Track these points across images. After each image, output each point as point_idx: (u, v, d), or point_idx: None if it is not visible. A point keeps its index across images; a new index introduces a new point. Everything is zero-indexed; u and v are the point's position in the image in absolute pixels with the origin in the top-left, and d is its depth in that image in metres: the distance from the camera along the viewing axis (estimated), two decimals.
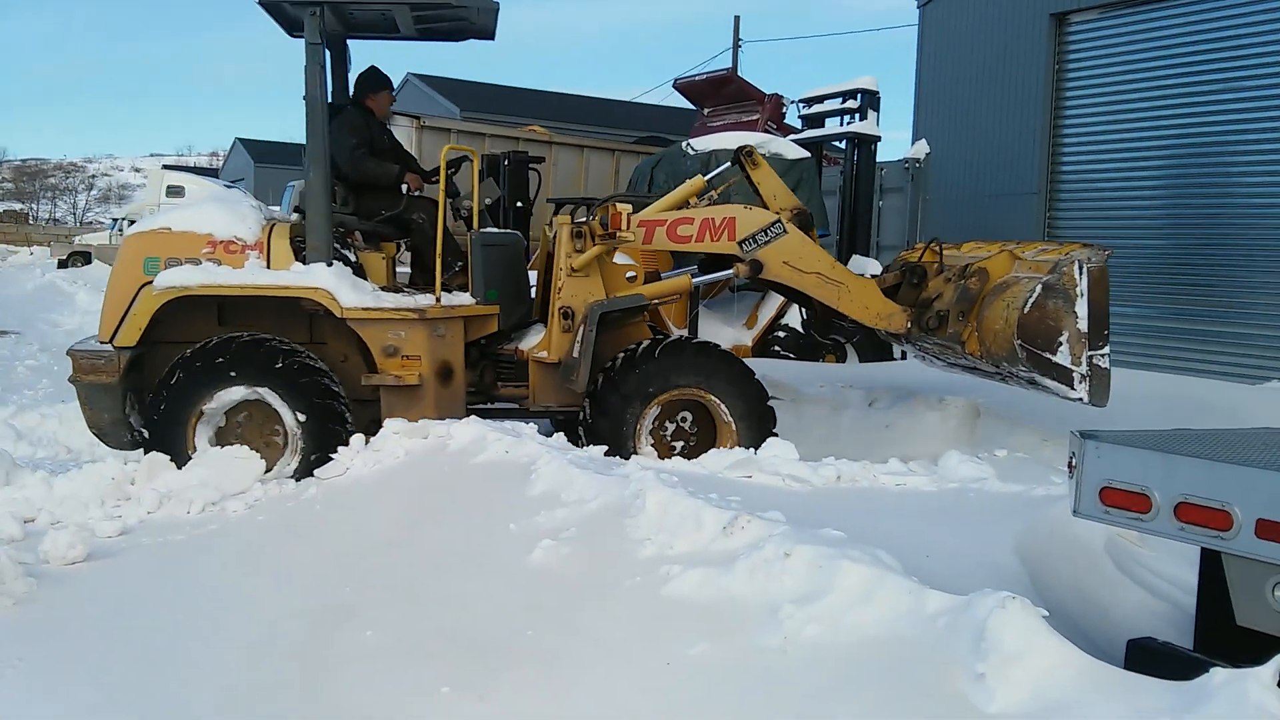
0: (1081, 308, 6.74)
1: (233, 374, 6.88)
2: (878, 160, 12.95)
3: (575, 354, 7.30)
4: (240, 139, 61.43)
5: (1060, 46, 15.41)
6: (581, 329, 7.34)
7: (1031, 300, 6.83)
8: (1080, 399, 6.63)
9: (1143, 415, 8.12)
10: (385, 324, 7.30)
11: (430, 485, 5.78)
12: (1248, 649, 3.09)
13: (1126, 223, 14.46)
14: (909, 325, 7.79)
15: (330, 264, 7.23)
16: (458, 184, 8.54)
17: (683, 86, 16.87)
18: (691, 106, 17.44)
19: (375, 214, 7.97)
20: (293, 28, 7.82)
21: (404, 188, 8.15)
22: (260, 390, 6.93)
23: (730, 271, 7.80)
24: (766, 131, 14.33)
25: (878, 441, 8.31)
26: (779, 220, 7.72)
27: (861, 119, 12.51)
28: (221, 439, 6.95)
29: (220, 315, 7.37)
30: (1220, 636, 3.39)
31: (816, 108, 13.21)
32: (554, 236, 7.93)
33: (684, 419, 7.57)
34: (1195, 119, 13.68)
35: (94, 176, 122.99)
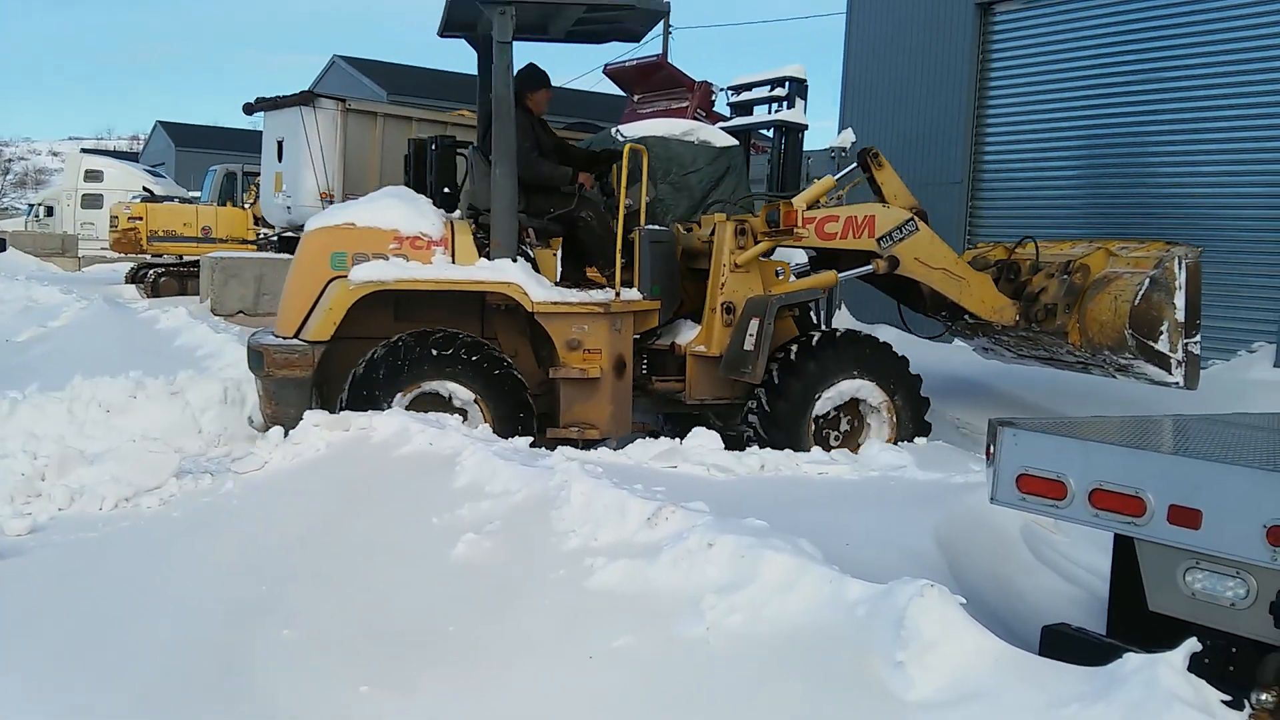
0: (1180, 300, 7.41)
1: (431, 368, 7.05)
2: (804, 148, 13.00)
3: (748, 346, 7.49)
4: (161, 122, 60.09)
5: (985, 37, 15.62)
6: (756, 322, 7.53)
7: (1140, 293, 7.49)
8: (1177, 383, 7.41)
9: (1064, 405, 8.36)
10: (571, 318, 7.53)
11: (352, 478, 5.69)
12: (1160, 634, 3.15)
13: (1046, 210, 14.72)
14: (1018, 318, 8.35)
15: (515, 260, 7.44)
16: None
17: (612, 72, 16.81)
18: (621, 93, 17.39)
19: (545, 212, 8.05)
20: (449, 27, 8.06)
21: (579, 187, 8.20)
22: (451, 385, 7.11)
23: (870, 267, 8.17)
24: (695, 119, 14.32)
25: None
26: (913, 218, 8.24)
27: (789, 107, 12.56)
28: None
29: (397, 310, 7.43)
30: (1133, 622, 3.45)
31: (745, 95, 13.23)
32: (710, 234, 8.13)
33: (838, 411, 7.90)
34: (1113, 108, 13.95)
35: (10, 160, 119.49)
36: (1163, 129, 13.40)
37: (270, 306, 15.60)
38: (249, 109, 19.34)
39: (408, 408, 6.92)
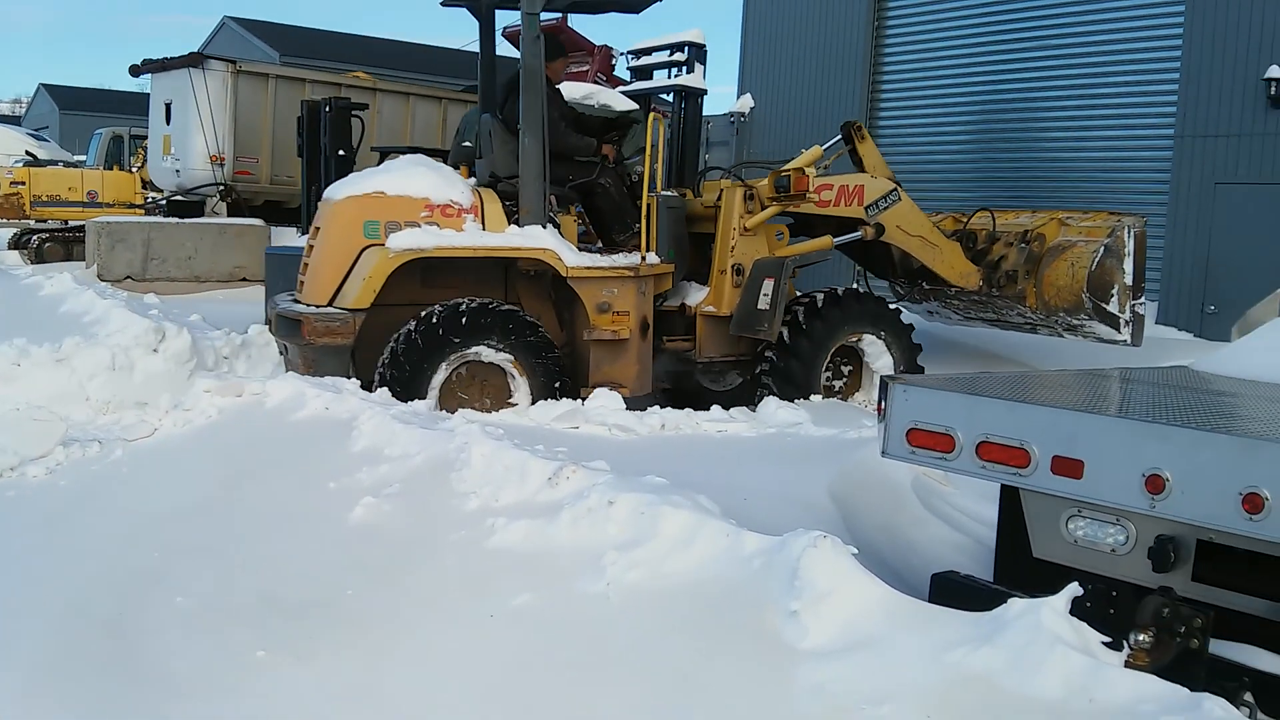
0: (1129, 265, 8.12)
1: (473, 336, 7.18)
2: (704, 113, 13.03)
3: (763, 306, 7.84)
4: (44, 85, 57.76)
5: (880, 4, 15.80)
6: (771, 283, 7.87)
7: (1096, 260, 8.21)
8: (1125, 340, 8.20)
9: (949, 363, 8.68)
10: (601, 282, 7.72)
11: (245, 444, 5.59)
12: (1043, 580, 3.24)
13: (940, 174, 14.99)
14: (980, 283, 9.04)
15: (545, 226, 7.60)
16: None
17: (512, 36, 16.57)
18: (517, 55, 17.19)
19: (565, 180, 8.13)
20: None
21: (601, 157, 8.38)
22: (492, 352, 7.26)
23: (858, 234, 8.68)
24: (595, 83, 14.27)
25: None
26: (896, 189, 8.81)
27: (689, 72, 12.51)
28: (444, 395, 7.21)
29: (423, 276, 7.46)
30: (1018, 569, 3.56)
31: (644, 60, 13.14)
32: (717, 199, 8.51)
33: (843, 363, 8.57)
34: (1005, 77, 14.25)
35: None
36: (1052, 98, 13.74)
37: (159, 271, 15.18)
38: (135, 71, 18.72)
39: (449, 376, 7.19)
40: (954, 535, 4.40)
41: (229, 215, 17.23)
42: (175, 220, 16.34)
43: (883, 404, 3.64)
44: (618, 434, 6.15)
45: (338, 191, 7.66)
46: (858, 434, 5.97)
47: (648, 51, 13.14)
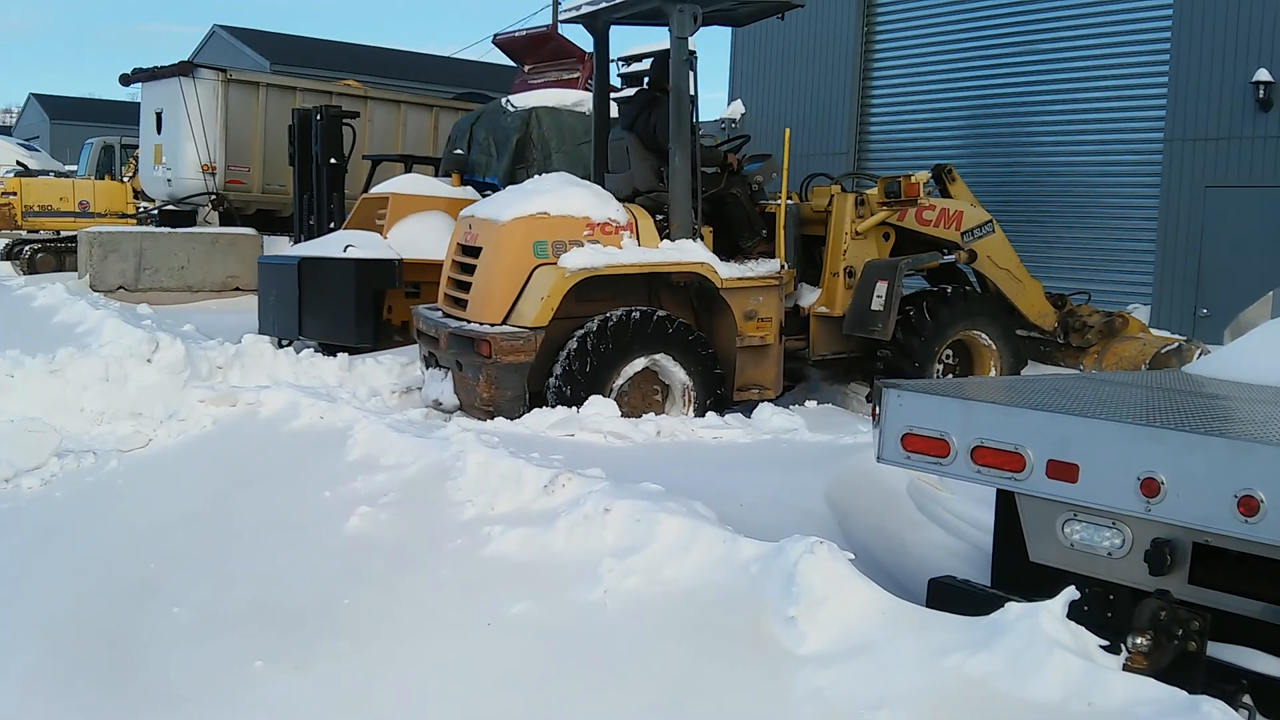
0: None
1: (643, 345, 7.50)
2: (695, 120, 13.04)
3: (877, 306, 8.14)
4: (35, 94, 57.63)
5: (870, 9, 15.84)
6: (885, 284, 8.16)
7: (1167, 350, 9.17)
8: None
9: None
10: (749, 291, 8.05)
11: (241, 454, 5.58)
12: (1040, 584, 3.24)
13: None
14: (1055, 326, 9.63)
15: (696, 240, 7.91)
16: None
17: (502, 43, 16.62)
18: (511, 63, 17.21)
19: (699, 193, 8.23)
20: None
21: (729, 168, 8.62)
22: (662, 359, 7.60)
23: (952, 256, 9.05)
24: (586, 90, 14.26)
25: None
26: (991, 221, 9.27)
27: None
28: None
29: (576, 291, 7.57)
30: (1015, 573, 3.56)
31: (635, 67, 13.16)
32: (828, 204, 8.79)
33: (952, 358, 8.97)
34: (996, 81, 14.29)
35: None
36: (1044, 103, 13.77)
37: (152, 281, 15.15)
38: (126, 80, 18.71)
39: (622, 385, 7.50)
40: (950, 540, 4.40)
41: (221, 224, 17.20)
42: (167, 230, 16.30)
43: (877, 409, 3.65)
44: (613, 441, 6.15)
45: (500, 212, 7.82)
46: (853, 439, 5.98)
47: (639, 58, 13.15)
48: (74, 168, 26.23)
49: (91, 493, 5.50)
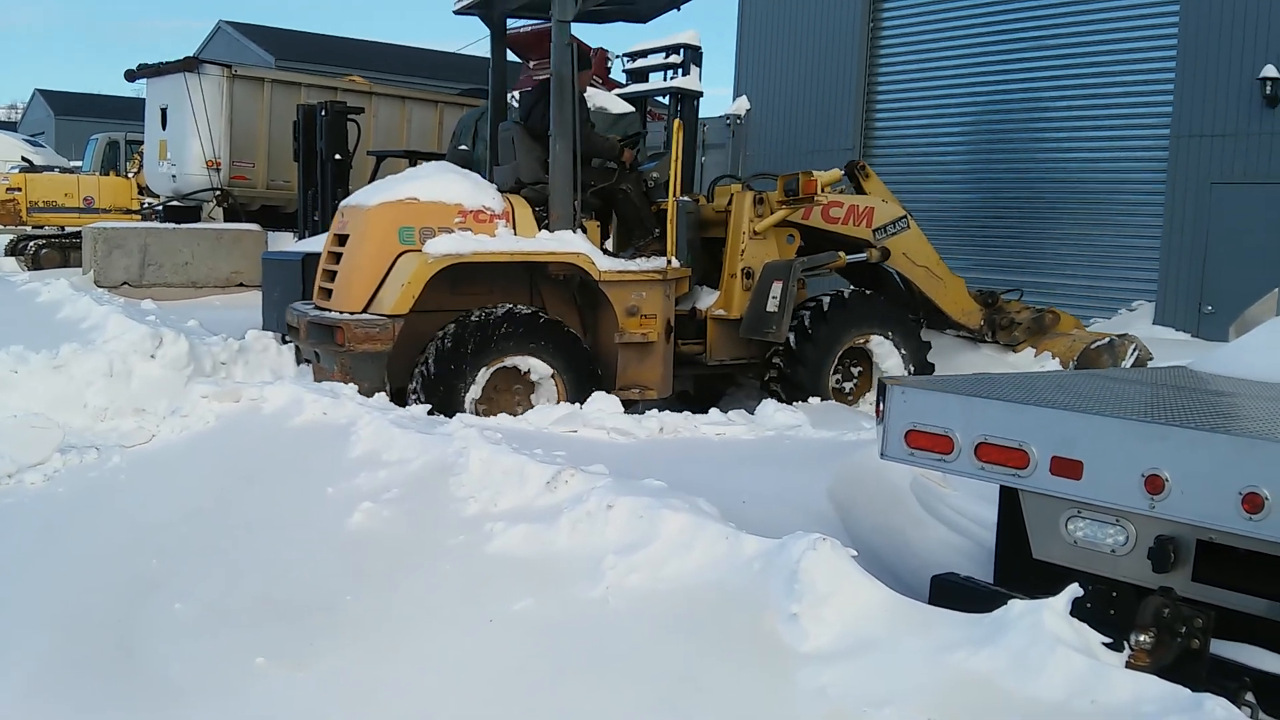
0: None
1: (507, 341, 7.25)
2: (700, 116, 13.04)
3: (771, 308, 7.94)
4: (40, 90, 57.68)
5: (875, 6, 15.81)
6: (779, 285, 7.99)
7: (1096, 345, 8.84)
8: None
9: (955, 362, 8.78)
10: (632, 286, 7.82)
11: (243, 450, 5.57)
12: (1044, 581, 3.24)
13: (935, 177, 15.00)
14: (981, 324, 9.44)
15: (575, 231, 7.70)
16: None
17: (508, 38, 16.60)
18: (517, 59, 17.20)
19: (589, 186, 8.15)
20: (469, 7, 8.54)
21: (622, 163, 8.46)
22: (528, 356, 7.34)
23: (864, 255, 8.81)
24: (591, 86, 14.25)
25: None
26: (905, 216, 9.02)
27: (684, 74, 12.53)
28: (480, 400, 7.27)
29: (451, 282, 7.43)
30: (1018, 570, 3.55)
31: (640, 62, 13.15)
32: (728, 204, 8.62)
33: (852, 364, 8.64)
34: (1000, 77, 14.25)
35: None
36: (1050, 98, 13.74)
37: (156, 277, 15.16)
38: (131, 76, 18.71)
39: (485, 381, 7.22)
40: (953, 537, 4.39)
41: (225, 220, 17.20)
42: (172, 226, 16.31)
43: (881, 406, 3.64)
44: (616, 438, 6.14)
45: (369, 198, 7.67)
46: (856, 436, 5.98)
47: (643, 54, 13.14)
48: (79, 163, 26.27)
49: (95, 488, 5.49)
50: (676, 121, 8.42)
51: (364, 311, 7.24)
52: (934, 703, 2.76)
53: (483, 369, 7.21)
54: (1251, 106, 11.84)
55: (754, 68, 17.38)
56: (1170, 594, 2.98)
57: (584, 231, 7.94)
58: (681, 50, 12.57)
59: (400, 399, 7.07)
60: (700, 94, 12.62)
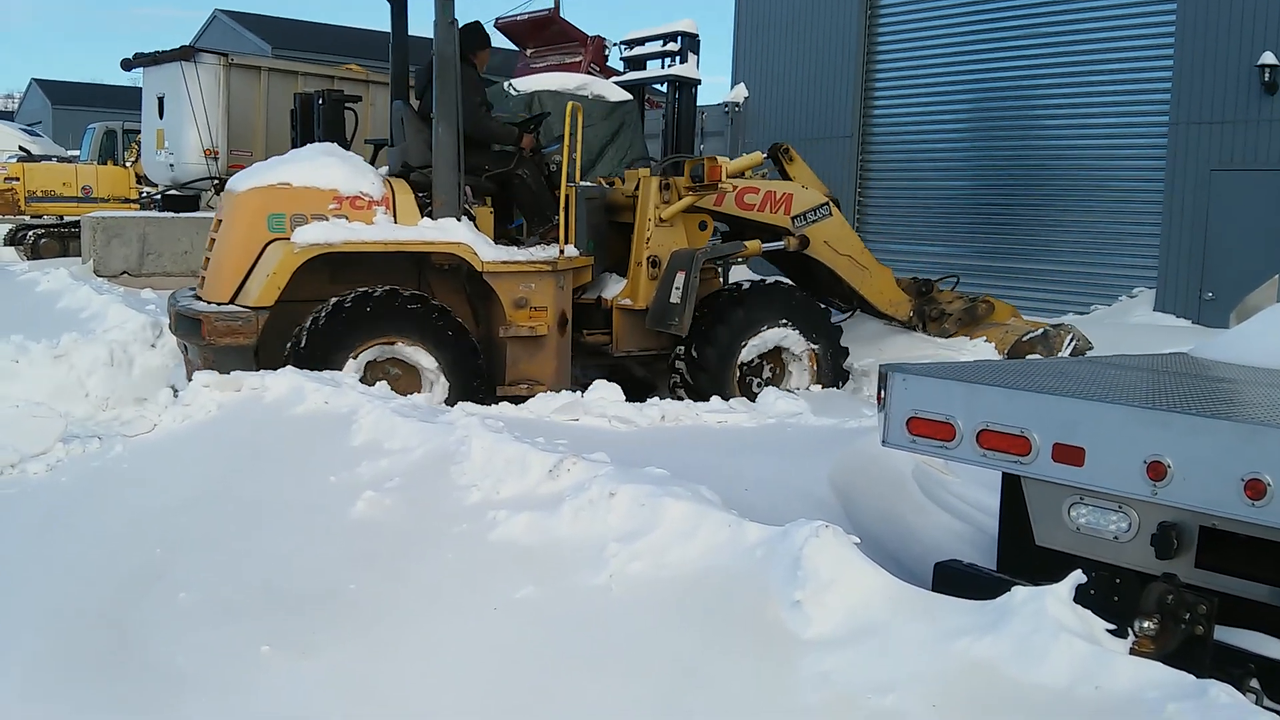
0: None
1: (380, 327, 6.91)
2: (698, 104, 13.02)
3: (674, 299, 7.59)
4: (37, 80, 57.55)
5: None
6: (683, 275, 7.63)
7: (1029, 337, 8.53)
8: None
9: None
10: (518, 277, 7.48)
11: (245, 439, 5.57)
12: (1046, 568, 3.25)
13: (934, 165, 14.99)
14: (911, 315, 9.04)
15: (460, 219, 7.32)
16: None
17: (504, 26, 16.58)
18: (514, 47, 17.17)
19: (482, 169, 7.88)
20: None
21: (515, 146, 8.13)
22: (404, 343, 7.02)
23: (781, 243, 8.45)
24: (589, 73, 14.22)
25: None
26: (827, 203, 8.62)
27: (682, 62, 12.51)
28: None
29: (332, 272, 7.17)
30: (1021, 557, 3.56)
31: (638, 50, 13.14)
32: (635, 189, 8.21)
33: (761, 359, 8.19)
34: (1000, 65, 14.24)
35: None
36: (1050, 85, 13.73)
37: (155, 266, 15.14)
38: (127, 65, 18.66)
39: (361, 371, 6.93)
40: (955, 524, 4.40)
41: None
42: (170, 215, 16.29)
43: (882, 393, 3.65)
44: (618, 426, 6.15)
45: (241, 182, 7.32)
46: (858, 423, 5.99)
47: (641, 42, 13.12)
48: (76, 153, 26.22)
49: (97, 478, 5.49)
50: (570, 104, 8.03)
51: (230, 302, 6.93)
52: (937, 689, 2.76)
53: (351, 359, 6.90)
54: (1250, 93, 11.84)
55: (752, 55, 17.34)
56: (1173, 580, 2.98)
57: (472, 218, 7.60)
58: (679, 38, 12.55)
59: None
60: (698, 81, 12.60)
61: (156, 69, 17.82)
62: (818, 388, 7.85)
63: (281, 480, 5.03)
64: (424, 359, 7.06)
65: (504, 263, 7.42)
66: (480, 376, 7.21)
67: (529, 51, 16.45)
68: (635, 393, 8.62)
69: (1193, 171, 12.22)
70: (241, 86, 17.33)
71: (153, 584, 4.15)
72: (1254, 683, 2.83)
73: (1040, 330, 8.73)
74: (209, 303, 6.99)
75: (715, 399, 7.29)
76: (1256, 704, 2.75)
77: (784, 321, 8.07)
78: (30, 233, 20.82)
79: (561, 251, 7.67)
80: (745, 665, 3.10)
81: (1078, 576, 2.92)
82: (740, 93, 15.35)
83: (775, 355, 8.20)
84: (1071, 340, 8.57)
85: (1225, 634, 2.98)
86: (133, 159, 22.07)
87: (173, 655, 3.65)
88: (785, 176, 9.04)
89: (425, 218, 7.30)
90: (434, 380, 7.11)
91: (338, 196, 7.07)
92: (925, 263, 15.01)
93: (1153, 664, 2.67)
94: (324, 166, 7.26)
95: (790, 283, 8.53)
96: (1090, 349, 8.65)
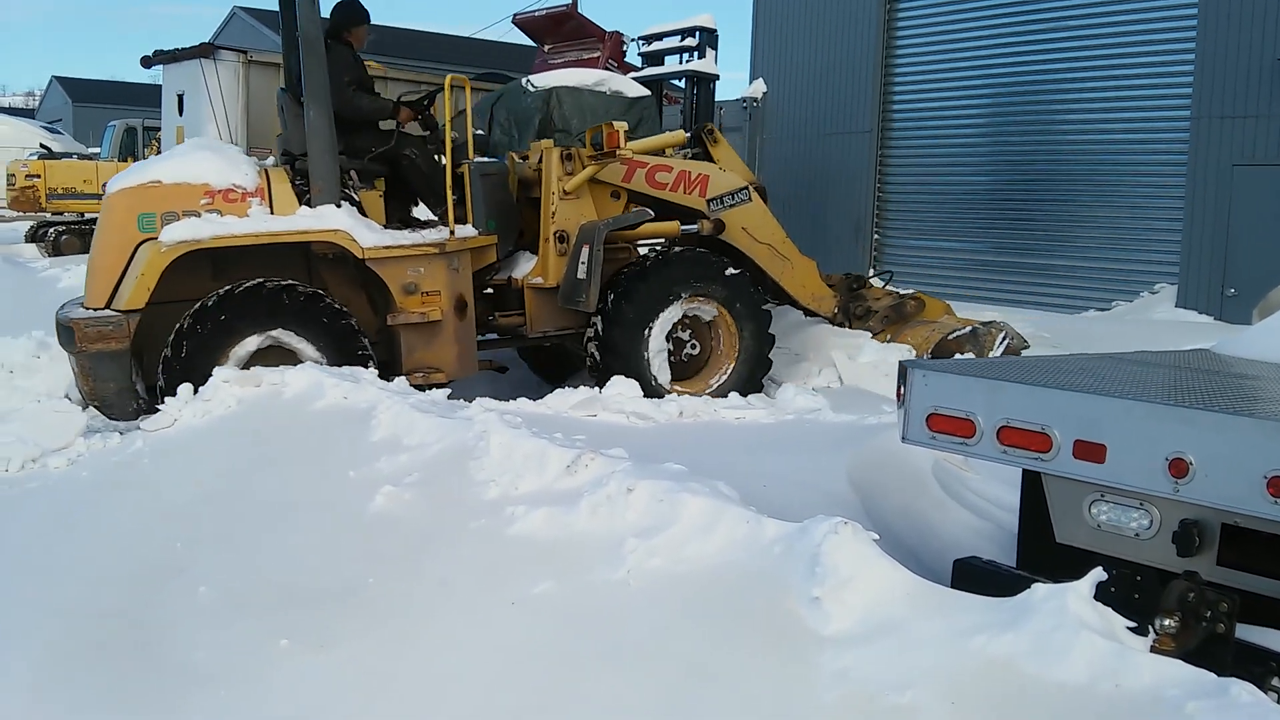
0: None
1: (255, 321, 6.66)
2: (716, 99, 13.00)
3: (581, 275, 7.33)
4: (57, 77, 57.90)
5: None
6: (587, 249, 7.33)
7: (956, 334, 8.24)
8: None
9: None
10: (405, 261, 7.18)
11: (265, 434, 5.59)
12: (1067, 565, 3.23)
13: (954, 160, 14.93)
14: (835, 310, 8.72)
15: (339, 205, 7.05)
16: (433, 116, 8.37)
17: (522, 22, 16.56)
18: (531, 43, 17.16)
19: (366, 151, 7.63)
20: None
21: (395, 124, 7.86)
22: (282, 335, 6.75)
23: (695, 226, 8.09)
24: (607, 69, 14.20)
25: None
26: (747, 188, 8.26)
27: (700, 57, 12.51)
28: None
29: (214, 268, 6.96)
30: (1041, 554, 3.54)
31: (656, 45, 13.16)
32: (539, 162, 7.88)
33: (685, 334, 7.92)
34: (1019, 60, 14.16)
35: None
36: (1071, 76, 13.65)
37: None
38: (147, 62, 18.71)
39: (242, 366, 6.65)
40: (975, 520, 4.38)
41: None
42: None
43: (902, 389, 3.63)
44: (635, 421, 6.15)
45: (115, 183, 7.08)
46: (876, 419, 5.97)
47: (659, 37, 13.13)
48: (97, 150, 26.36)
49: (118, 473, 5.53)
50: (450, 76, 7.75)
51: (106, 307, 6.71)
52: (956, 686, 2.75)
53: (227, 357, 6.67)
54: (1273, 88, 11.74)
55: (770, 50, 17.30)
56: (1195, 578, 2.96)
57: (355, 204, 7.31)
58: (697, 33, 12.56)
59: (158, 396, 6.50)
60: (716, 77, 12.60)
61: (176, 66, 17.87)
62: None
63: (300, 475, 5.06)
64: (308, 350, 6.83)
65: (386, 248, 7.11)
66: (368, 363, 6.89)
67: (546, 47, 16.44)
68: (557, 374, 8.54)
69: (1215, 166, 12.13)
70: (261, 84, 17.34)
71: (172, 578, 4.18)
72: (1276, 681, 2.80)
73: (968, 328, 8.43)
74: (83, 308, 6.82)
75: (733, 395, 7.27)
76: (1278, 703, 2.73)
77: (699, 295, 7.74)
78: (51, 230, 20.96)
79: (451, 232, 7.39)
80: (763, 661, 3.09)
81: (1098, 574, 2.91)
82: (759, 88, 15.29)
83: (702, 332, 7.93)
84: (1004, 339, 8.26)
85: (1247, 632, 2.95)
86: (153, 156, 22.19)
87: (191, 649, 3.67)
88: (708, 158, 8.69)
89: (304, 206, 7.05)
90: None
91: (209, 191, 6.86)
92: (944, 258, 14.96)
93: (1173, 662, 2.66)
94: (196, 161, 7.05)
95: (705, 251, 8.12)
96: (1026, 347, 8.38)
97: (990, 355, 8.05)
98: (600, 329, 7.57)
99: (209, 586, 4.07)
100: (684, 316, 7.80)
